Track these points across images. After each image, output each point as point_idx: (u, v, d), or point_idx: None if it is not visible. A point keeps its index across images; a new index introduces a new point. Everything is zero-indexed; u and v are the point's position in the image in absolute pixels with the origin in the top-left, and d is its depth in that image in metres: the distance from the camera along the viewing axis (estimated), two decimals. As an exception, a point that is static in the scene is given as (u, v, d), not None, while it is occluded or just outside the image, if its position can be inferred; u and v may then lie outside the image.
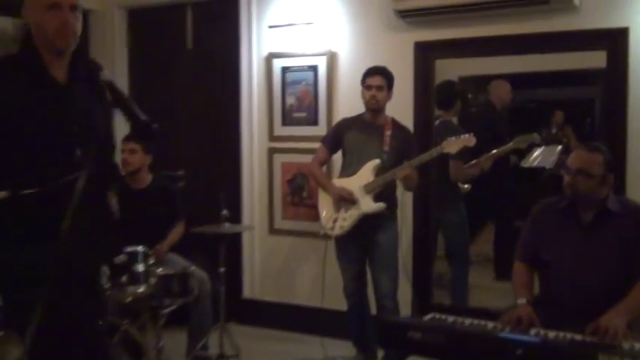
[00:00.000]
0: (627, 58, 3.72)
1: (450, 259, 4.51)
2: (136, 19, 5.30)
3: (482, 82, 5.02)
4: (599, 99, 4.88)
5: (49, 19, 2.05)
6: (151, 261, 3.42)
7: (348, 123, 3.91)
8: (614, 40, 3.74)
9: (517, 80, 4.95)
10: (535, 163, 4.85)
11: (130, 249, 3.27)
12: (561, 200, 2.90)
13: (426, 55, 4.25)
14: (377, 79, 3.75)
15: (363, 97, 3.80)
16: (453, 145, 3.59)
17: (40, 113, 2.06)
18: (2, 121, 2.02)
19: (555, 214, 2.91)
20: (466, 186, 4.37)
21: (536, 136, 4.17)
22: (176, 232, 4.08)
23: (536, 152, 4.67)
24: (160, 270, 3.47)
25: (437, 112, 4.42)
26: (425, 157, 3.62)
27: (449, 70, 4.52)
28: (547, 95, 5.10)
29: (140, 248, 3.29)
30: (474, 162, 4.20)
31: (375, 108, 3.77)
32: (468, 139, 3.61)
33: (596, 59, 4.10)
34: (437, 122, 4.38)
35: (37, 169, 1.99)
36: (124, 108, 2.04)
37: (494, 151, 4.22)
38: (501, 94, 4.65)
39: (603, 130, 3.99)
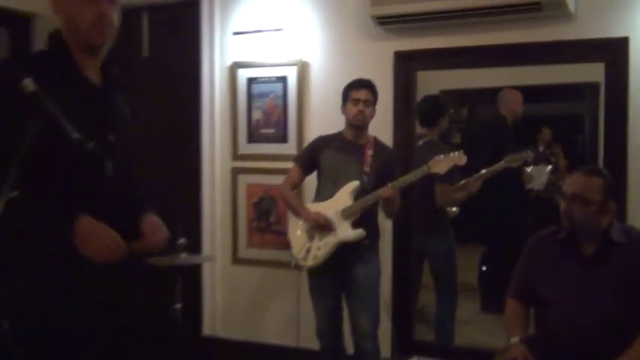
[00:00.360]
0: (627, 71, 3.65)
1: (436, 291, 4.37)
2: None
3: (464, 96, 4.96)
4: (588, 115, 4.86)
5: (84, 11, 1.97)
6: None
7: (325, 141, 3.77)
8: (613, 50, 3.67)
9: (492, 95, 4.89)
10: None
11: None
12: (559, 231, 2.80)
13: (406, 65, 4.15)
14: (364, 92, 3.63)
15: (347, 112, 3.66)
16: (441, 164, 3.48)
17: (74, 120, 1.93)
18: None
19: (553, 247, 2.82)
20: (454, 209, 4.26)
21: (529, 154, 4.09)
22: None
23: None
24: None
25: (420, 130, 4.31)
26: (410, 177, 3.49)
27: (430, 82, 4.44)
28: (532, 111, 5.03)
29: None
30: (461, 183, 4.09)
31: (361, 125, 3.65)
32: (458, 158, 3.50)
33: (585, 72, 4.09)
34: (420, 142, 4.27)
35: (64, 181, 1.92)
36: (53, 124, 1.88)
37: (483, 171, 4.11)
38: (512, 104, 4.54)
39: (594, 149, 3.94)
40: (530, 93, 4.91)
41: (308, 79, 4.45)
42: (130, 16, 4.88)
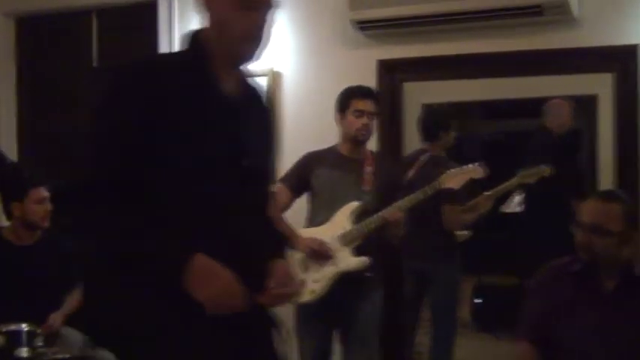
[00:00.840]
0: (637, 82, 3.63)
1: (433, 327, 4.26)
2: (27, 28, 5.13)
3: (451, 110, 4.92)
4: (587, 130, 4.87)
5: (238, 18, 1.84)
6: (40, 342, 3.18)
7: (317, 157, 3.61)
8: (622, 60, 3.66)
9: (486, 109, 4.86)
10: (519, 208, 4.80)
11: (10, 327, 3.05)
12: (574, 262, 2.69)
13: (392, 76, 4.12)
14: (370, 103, 3.48)
15: (348, 125, 3.50)
16: (455, 178, 3.38)
17: (209, 139, 1.85)
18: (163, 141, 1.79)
19: (568, 280, 2.70)
20: (466, 232, 4.16)
21: (545, 169, 4.01)
22: (72, 301, 3.77)
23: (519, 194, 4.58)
24: (52, 352, 3.24)
25: (423, 145, 4.22)
26: (418, 196, 3.36)
27: (412, 94, 4.39)
28: (522, 126, 5.09)
29: (24, 326, 3.08)
30: (471, 202, 4.02)
31: (364, 140, 3.52)
32: (474, 170, 3.41)
33: (582, 84, 4.11)
34: (422, 157, 4.16)
35: (186, 207, 1.81)
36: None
37: (486, 193, 4.05)
38: (561, 117, 4.50)
39: (592, 167, 4.04)
40: (520, 106, 4.91)
41: (280, 91, 4.37)
42: (77, 19, 4.92)
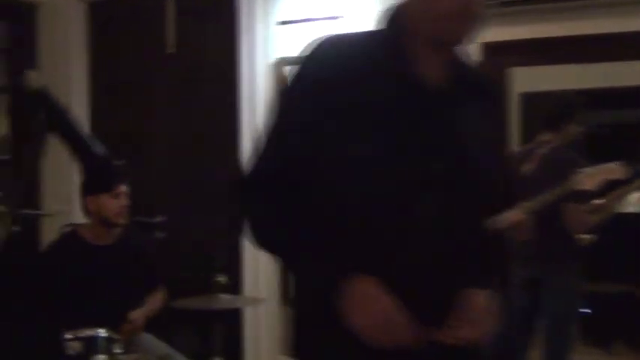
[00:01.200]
0: None
1: (546, 338, 4.06)
2: (100, 15, 5.11)
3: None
4: None
5: None
6: (118, 348, 3.20)
7: None
8: None
9: (597, 97, 4.74)
10: (631, 208, 4.73)
11: (86, 333, 3.08)
12: None
13: (497, 60, 4.00)
14: None
15: None
16: (590, 178, 3.27)
17: (388, 134, 1.69)
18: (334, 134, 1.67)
19: None
20: (589, 237, 3.94)
21: None
22: (155, 301, 3.79)
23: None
24: (131, 359, 3.29)
25: (543, 135, 4.02)
26: (549, 197, 3.28)
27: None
28: (629, 117, 5.16)
29: (101, 332, 3.11)
30: (599, 202, 3.79)
31: None
32: (613, 170, 3.28)
33: None
34: (542, 149, 3.98)
35: (347, 217, 1.67)
36: (69, 137, 1.60)
37: (614, 192, 3.80)
38: None
39: None
40: (626, 95, 4.80)
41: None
42: (152, 4, 4.87)
